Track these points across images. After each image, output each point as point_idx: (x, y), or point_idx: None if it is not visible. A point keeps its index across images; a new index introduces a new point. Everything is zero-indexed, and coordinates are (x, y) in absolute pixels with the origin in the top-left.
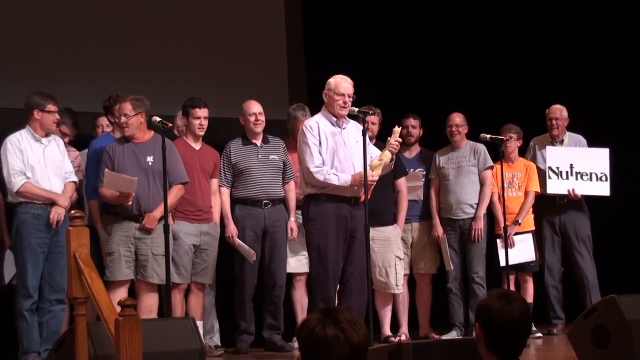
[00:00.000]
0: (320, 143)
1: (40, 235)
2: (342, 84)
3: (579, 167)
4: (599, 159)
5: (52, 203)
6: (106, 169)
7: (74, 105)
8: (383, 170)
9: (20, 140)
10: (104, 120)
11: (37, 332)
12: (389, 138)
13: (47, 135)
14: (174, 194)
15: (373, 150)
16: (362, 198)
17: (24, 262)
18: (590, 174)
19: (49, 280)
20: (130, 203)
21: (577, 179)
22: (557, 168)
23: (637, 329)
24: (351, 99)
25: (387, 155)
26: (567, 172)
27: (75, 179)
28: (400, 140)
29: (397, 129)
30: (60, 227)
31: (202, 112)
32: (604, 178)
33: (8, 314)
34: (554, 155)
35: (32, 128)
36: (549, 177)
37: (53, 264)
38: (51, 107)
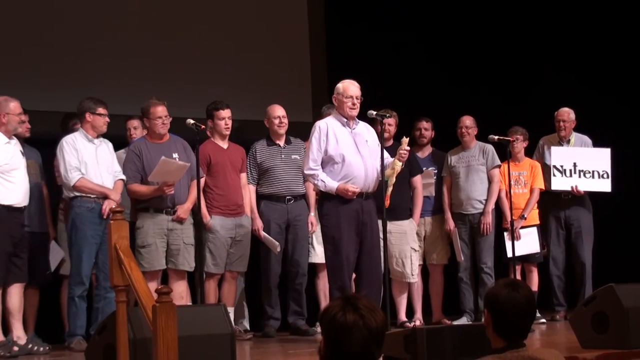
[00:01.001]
0: (328, 143)
1: (93, 227)
2: (350, 87)
3: (582, 165)
4: (601, 158)
5: (105, 197)
6: (163, 157)
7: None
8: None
9: (75, 140)
10: (132, 124)
11: (84, 318)
12: (399, 148)
13: (98, 136)
14: (194, 187)
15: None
16: (387, 204)
17: (79, 251)
18: (593, 171)
19: (103, 270)
20: (172, 192)
21: (580, 176)
22: (562, 166)
23: (634, 315)
24: (359, 101)
25: (397, 164)
26: (570, 170)
27: (123, 177)
28: (408, 148)
29: (405, 140)
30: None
31: (226, 113)
32: (605, 175)
33: (55, 299)
34: (558, 155)
35: (85, 130)
36: (554, 175)
37: (106, 254)
38: (101, 110)
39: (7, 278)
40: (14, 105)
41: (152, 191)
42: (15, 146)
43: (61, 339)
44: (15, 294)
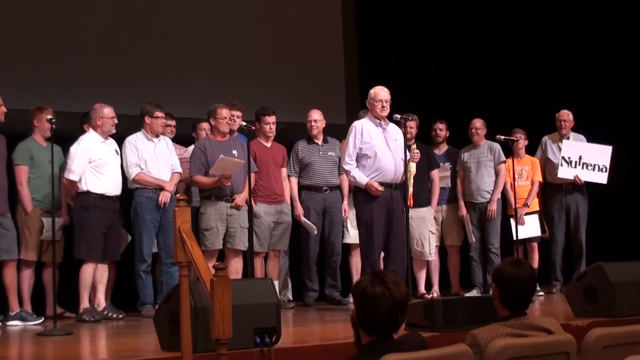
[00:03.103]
0: (362, 141)
1: (152, 213)
2: (380, 92)
3: (586, 158)
4: (603, 154)
5: (161, 188)
6: (221, 155)
7: (176, 110)
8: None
9: (136, 139)
10: (203, 126)
11: (151, 289)
12: (410, 152)
13: (157, 136)
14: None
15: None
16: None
17: (140, 234)
18: (594, 165)
19: (164, 249)
20: (229, 184)
21: (582, 168)
22: (569, 158)
23: (619, 289)
24: (388, 104)
25: (411, 165)
26: (575, 162)
27: (180, 170)
28: (418, 151)
29: (413, 147)
30: (167, 206)
31: (271, 119)
32: (604, 169)
33: (126, 275)
34: (568, 148)
35: (145, 130)
36: (561, 165)
37: (166, 236)
38: (158, 113)
39: (102, 256)
40: (107, 111)
41: (213, 182)
42: (109, 145)
43: (134, 305)
44: (100, 269)
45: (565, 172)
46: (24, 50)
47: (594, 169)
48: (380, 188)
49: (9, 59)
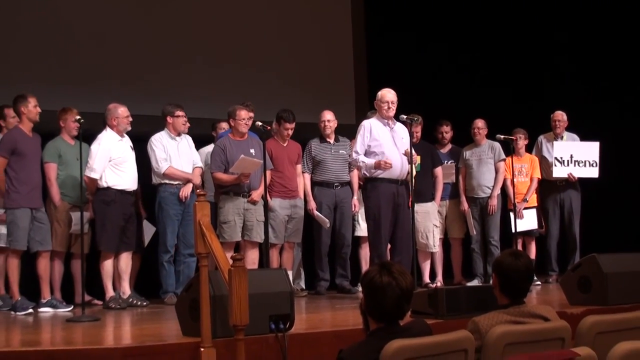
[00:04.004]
0: (371, 138)
1: (175, 207)
2: (386, 94)
3: (577, 156)
4: (591, 150)
5: (187, 182)
6: (242, 155)
7: (194, 111)
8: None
9: (161, 138)
10: (221, 126)
11: (174, 278)
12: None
13: (179, 134)
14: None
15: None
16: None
17: (164, 227)
18: (585, 161)
19: (183, 240)
20: (248, 181)
21: (575, 165)
22: (561, 158)
23: (612, 279)
24: (394, 105)
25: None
26: (567, 161)
27: (201, 165)
28: (414, 154)
29: (407, 150)
30: (189, 200)
31: (291, 125)
32: (594, 165)
33: (149, 266)
34: (559, 148)
35: (168, 129)
36: (555, 165)
37: (185, 228)
38: (179, 112)
39: (119, 247)
40: (122, 110)
41: (232, 180)
42: (125, 143)
43: (157, 294)
44: (124, 259)
45: (559, 172)
46: (52, 53)
47: (585, 165)
48: (390, 161)
49: (37, 62)
